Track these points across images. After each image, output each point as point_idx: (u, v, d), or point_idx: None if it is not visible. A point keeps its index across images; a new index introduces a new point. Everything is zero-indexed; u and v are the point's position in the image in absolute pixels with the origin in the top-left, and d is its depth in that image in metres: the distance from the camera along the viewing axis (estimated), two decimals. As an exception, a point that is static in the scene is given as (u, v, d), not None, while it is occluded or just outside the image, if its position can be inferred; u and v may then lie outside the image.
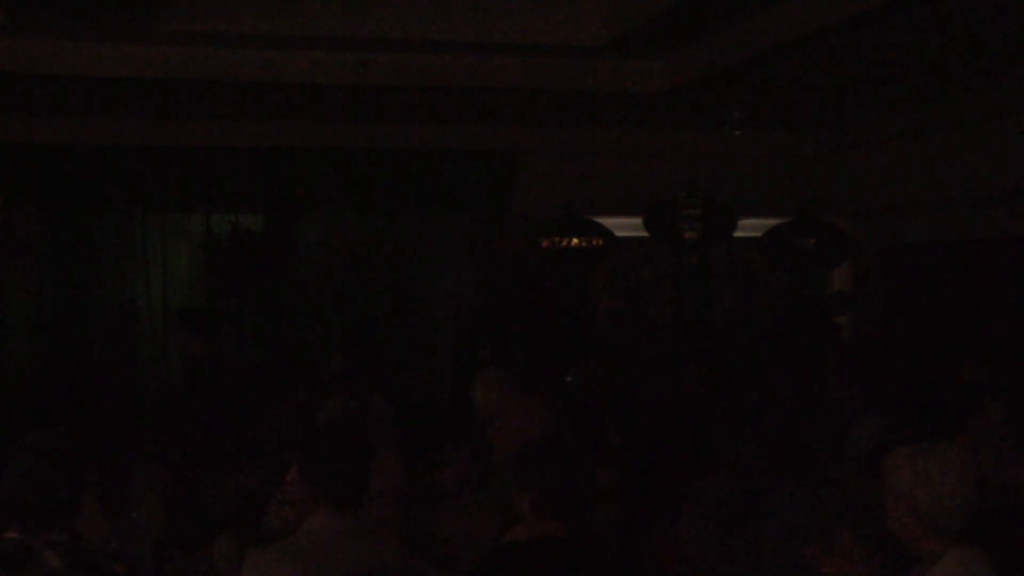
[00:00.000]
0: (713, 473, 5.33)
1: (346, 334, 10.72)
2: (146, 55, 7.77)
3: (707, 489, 5.29)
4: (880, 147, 10.67)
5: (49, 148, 10.02)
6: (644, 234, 10.53)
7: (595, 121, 10.31)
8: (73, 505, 3.40)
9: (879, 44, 7.37)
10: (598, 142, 10.78)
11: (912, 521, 3.54)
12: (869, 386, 7.48)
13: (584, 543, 4.00)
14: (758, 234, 10.67)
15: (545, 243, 10.21)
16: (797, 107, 9.89)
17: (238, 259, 10.27)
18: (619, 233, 10.46)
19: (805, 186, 10.90)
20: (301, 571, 3.59)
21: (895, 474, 3.59)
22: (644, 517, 5.26)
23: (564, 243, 10.17)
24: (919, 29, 6.97)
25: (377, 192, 10.79)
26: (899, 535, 3.62)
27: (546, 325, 10.74)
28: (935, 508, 3.51)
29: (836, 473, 5.42)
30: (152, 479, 5.22)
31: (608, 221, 10.41)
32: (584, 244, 10.21)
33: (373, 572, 3.42)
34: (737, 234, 10.63)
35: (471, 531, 4.43)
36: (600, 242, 10.25)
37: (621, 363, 8.71)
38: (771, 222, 10.58)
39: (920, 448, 3.61)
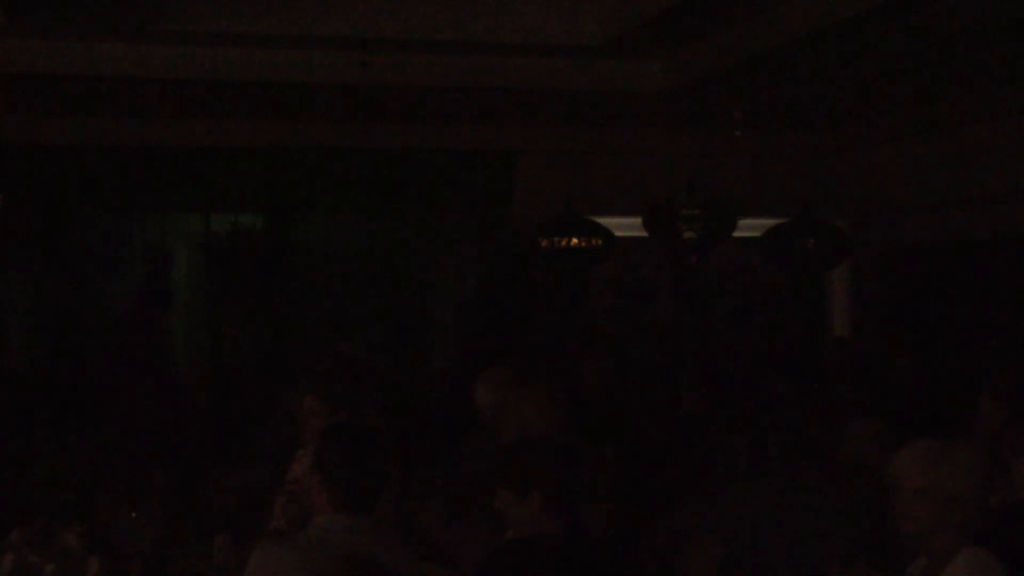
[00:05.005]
0: (711, 473, 5.33)
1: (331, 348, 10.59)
2: (146, 55, 7.77)
3: (704, 489, 5.30)
4: (880, 147, 10.66)
5: (49, 148, 10.01)
6: (644, 234, 10.52)
7: (595, 121, 10.30)
8: (91, 500, 3.98)
9: (879, 44, 7.37)
10: (597, 142, 10.76)
11: (925, 518, 3.50)
12: (867, 386, 7.48)
13: (584, 541, 4.00)
14: (758, 234, 10.66)
15: (544, 243, 10.19)
16: (797, 107, 9.89)
17: (238, 259, 10.26)
18: (619, 233, 10.43)
19: (805, 186, 10.89)
20: (308, 566, 3.60)
21: (908, 471, 3.56)
22: (643, 517, 5.26)
23: (563, 243, 10.15)
24: (919, 29, 6.98)
25: (377, 192, 10.79)
26: (908, 533, 3.58)
27: (545, 325, 10.73)
28: (949, 505, 3.47)
29: (834, 472, 5.42)
30: (152, 479, 5.23)
31: (607, 221, 10.40)
32: (583, 244, 10.18)
33: (364, 562, 3.42)
34: (737, 234, 10.62)
35: (468, 531, 4.43)
36: (599, 242, 10.23)
37: (621, 363, 8.71)
38: (771, 222, 10.56)
39: (934, 445, 3.58)
